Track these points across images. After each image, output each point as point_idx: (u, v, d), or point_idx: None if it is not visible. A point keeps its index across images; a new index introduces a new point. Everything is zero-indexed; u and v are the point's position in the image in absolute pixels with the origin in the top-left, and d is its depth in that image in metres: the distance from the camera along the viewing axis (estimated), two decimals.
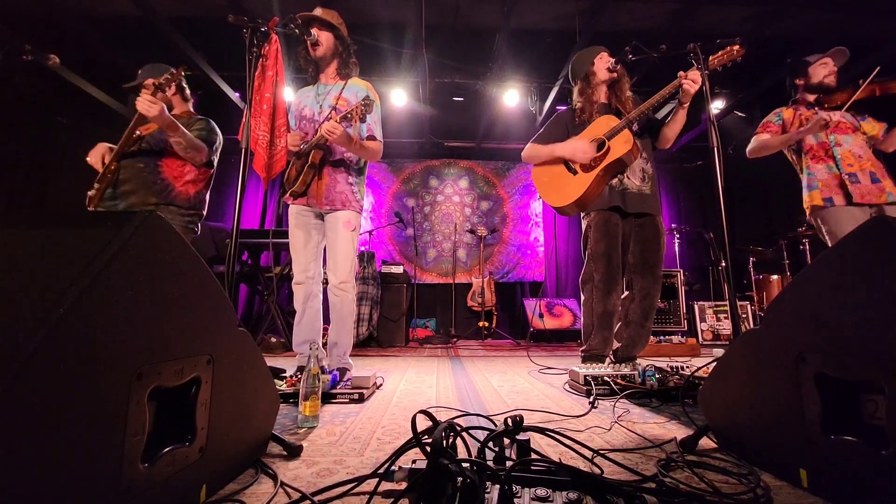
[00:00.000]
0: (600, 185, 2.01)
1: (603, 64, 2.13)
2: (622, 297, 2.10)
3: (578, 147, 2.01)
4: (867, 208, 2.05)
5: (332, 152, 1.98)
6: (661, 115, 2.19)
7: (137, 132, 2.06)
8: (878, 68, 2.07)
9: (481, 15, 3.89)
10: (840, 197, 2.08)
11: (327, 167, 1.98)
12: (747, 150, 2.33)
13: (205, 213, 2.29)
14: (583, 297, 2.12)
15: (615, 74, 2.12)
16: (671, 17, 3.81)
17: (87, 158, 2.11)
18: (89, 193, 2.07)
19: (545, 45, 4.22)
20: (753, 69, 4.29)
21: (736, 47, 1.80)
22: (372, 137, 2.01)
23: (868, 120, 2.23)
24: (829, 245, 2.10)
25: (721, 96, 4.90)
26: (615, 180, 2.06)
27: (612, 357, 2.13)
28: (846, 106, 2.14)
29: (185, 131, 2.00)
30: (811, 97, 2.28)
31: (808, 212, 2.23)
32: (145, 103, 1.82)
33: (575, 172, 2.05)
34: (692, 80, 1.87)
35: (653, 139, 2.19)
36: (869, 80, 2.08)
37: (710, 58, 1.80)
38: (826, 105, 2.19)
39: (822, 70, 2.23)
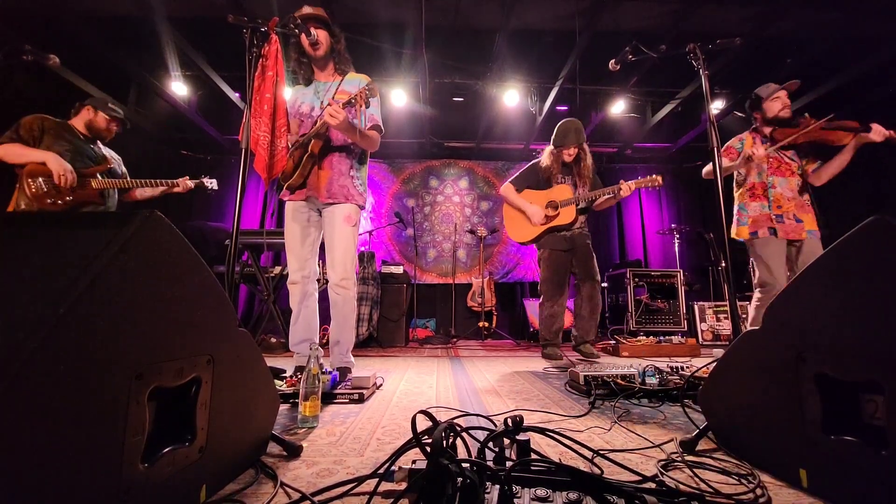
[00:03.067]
0: (546, 233, 2.95)
1: (567, 154, 2.92)
2: (575, 300, 3.00)
3: (536, 213, 2.91)
4: (786, 243, 2.37)
5: (331, 142, 1.95)
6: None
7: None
8: (832, 115, 2.22)
9: (481, 15, 3.89)
10: (765, 230, 2.38)
11: (327, 158, 1.94)
12: (703, 170, 2.48)
13: None
14: (538, 302, 3.03)
15: (571, 160, 2.94)
16: (671, 17, 3.80)
17: (61, 172, 2.24)
18: (45, 199, 2.25)
19: (545, 45, 4.22)
20: (753, 69, 4.29)
21: (659, 179, 2.71)
22: (375, 127, 1.97)
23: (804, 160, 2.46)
24: (755, 268, 2.46)
25: (721, 96, 4.91)
26: (563, 231, 2.95)
27: (573, 341, 3.01)
28: (782, 144, 2.31)
29: None
30: (767, 130, 2.43)
31: (738, 238, 2.53)
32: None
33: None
34: (627, 189, 2.74)
35: (591, 203, 3.04)
36: (817, 124, 2.23)
37: (637, 181, 2.74)
38: (777, 138, 2.36)
39: (777, 104, 2.38)
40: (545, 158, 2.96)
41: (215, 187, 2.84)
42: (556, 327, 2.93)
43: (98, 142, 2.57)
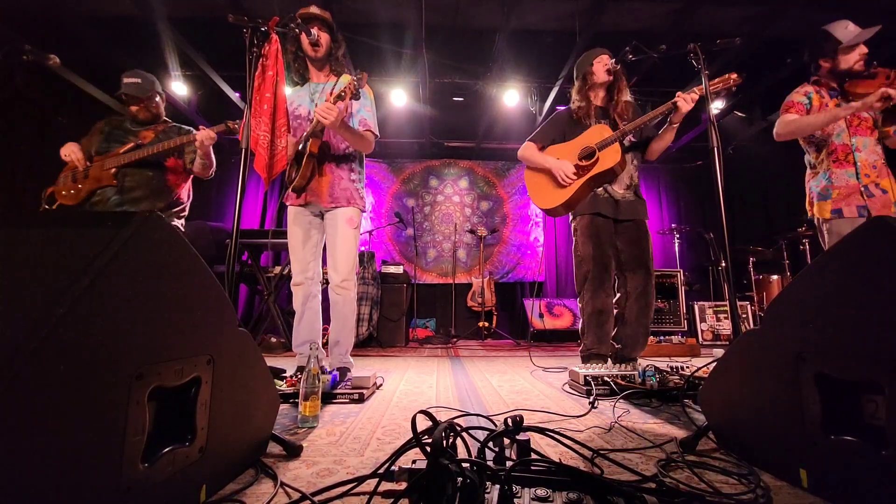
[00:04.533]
0: (585, 192, 2.09)
1: (601, 66, 2.16)
2: (616, 297, 2.17)
3: (563, 168, 2.07)
4: None
5: (330, 147, 1.96)
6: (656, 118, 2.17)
7: (144, 152, 2.19)
8: None
9: (481, 15, 3.89)
10: (853, 209, 1.93)
11: (328, 164, 1.95)
12: (775, 133, 2.08)
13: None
14: (578, 300, 2.21)
15: (612, 77, 2.16)
16: (671, 17, 3.80)
17: (65, 154, 2.15)
18: (62, 192, 2.15)
19: (545, 45, 4.22)
20: (753, 69, 4.28)
21: (734, 76, 1.83)
22: (369, 132, 1.97)
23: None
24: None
25: (721, 96, 4.90)
26: (601, 189, 2.14)
27: (612, 358, 2.15)
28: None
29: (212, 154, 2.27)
30: (834, 82, 2.04)
31: (816, 218, 2.07)
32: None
33: None
34: (686, 99, 1.92)
35: (643, 149, 2.24)
36: None
37: (701, 87, 1.84)
38: (850, 95, 1.98)
39: (854, 55, 1.97)
40: (574, 96, 2.25)
41: (237, 127, 2.17)
42: (607, 329, 2.11)
43: (159, 123, 2.32)
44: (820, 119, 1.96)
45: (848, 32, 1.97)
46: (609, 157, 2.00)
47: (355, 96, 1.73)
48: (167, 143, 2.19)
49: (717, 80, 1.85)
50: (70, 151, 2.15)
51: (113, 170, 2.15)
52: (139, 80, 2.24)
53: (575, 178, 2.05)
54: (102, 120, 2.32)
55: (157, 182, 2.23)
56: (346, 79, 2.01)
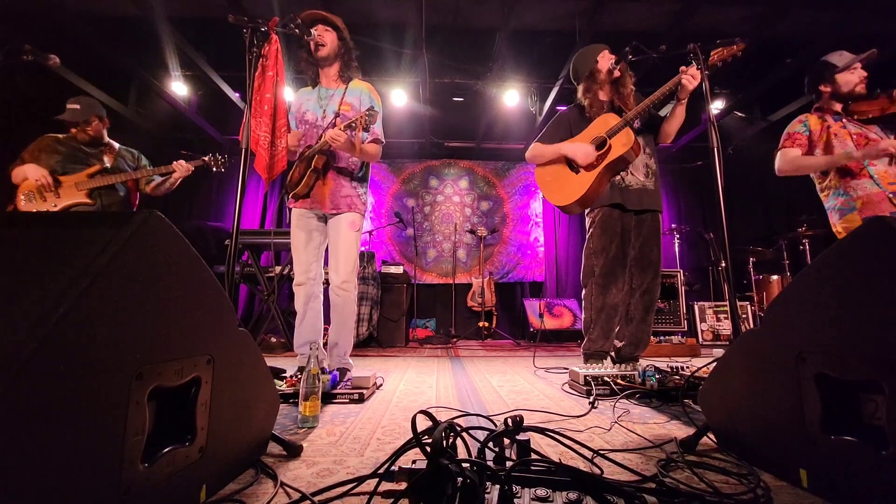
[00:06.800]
0: (602, 183, 2.05)
1: (606, 62, 2.15)
2: (622, 293, 2.14)
3: (581, 149, 2.04)
4: None
5: (335, 157, 1.99)
6: (663, 112, 2.16)
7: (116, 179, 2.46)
8: None
9: (481, 15, 3.89)
10: (886, 214, 1.95)
11: (331, 172, 1.99)
12: (776, 168, 2.12)
13: None
14: (583, 293, 2.18)
15: (618, 73, 2.15)
16: (671, 17, 3.80)
17: (35, 178, 2.29)
18: (33, 209, 2.28)
19: (545, 45, 4.22)
20: (753, 69, 4.28)
21: (737, 41, 1.79)
22: (376, 140, 2.01)
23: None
24: None
25: (721, 96, 4.90)
26: (617, 177, 2.10)
27: (613, 356, 2.16)
28: (869, 116, 2.00)
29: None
30: (838, 106, 2.08)
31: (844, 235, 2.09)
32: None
33: (577, 171, 2.08)
34: (691, 76, 1.89)
35: (654, 135, 2.21)
36: None
37: (711, 53, 1.80)
38: (855, 115, 2.04)
39: (853, 78, 2.03)
40: (581, 95, 2.20)
41: (221, 166, 2.61)
42: (613, 326, 2.10)
43: (107, 145, 2.53)
44: (822, 161, 2.00)
45: (843, 59, 2.06)
46: (620, 144, 1.97)
47: (365, 129, 1.82)
48: (150, 170, 2.50)
49: (720, 48, 1.80)
50: (40, 175, 2.28)
51: (85, 190, 2.38)
52: (78, 107, 2.43)
53: (596, 160, 2.01)
54: (49, 136, 2.45)
55: (126, 201, 2.54)
56: (356, 86, 2.04)
